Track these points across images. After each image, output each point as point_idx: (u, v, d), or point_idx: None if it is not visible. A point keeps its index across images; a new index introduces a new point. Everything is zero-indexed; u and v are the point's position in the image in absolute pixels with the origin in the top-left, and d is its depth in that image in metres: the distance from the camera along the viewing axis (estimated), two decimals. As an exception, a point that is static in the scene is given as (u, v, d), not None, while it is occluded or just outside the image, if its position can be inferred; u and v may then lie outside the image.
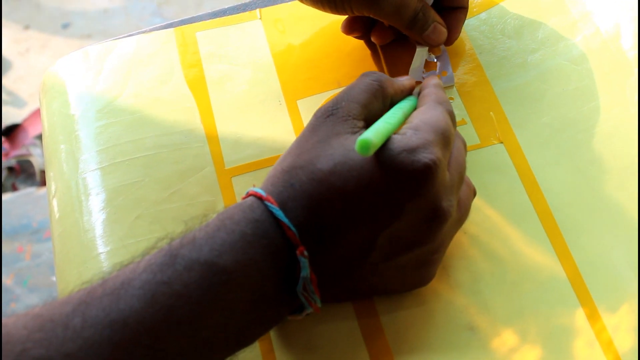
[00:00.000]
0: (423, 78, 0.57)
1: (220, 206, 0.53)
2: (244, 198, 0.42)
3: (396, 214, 0.40)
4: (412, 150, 0.40)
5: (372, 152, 0.37)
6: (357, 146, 0.37)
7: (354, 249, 0.41)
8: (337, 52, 0.60)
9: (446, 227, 0.43)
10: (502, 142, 0.54)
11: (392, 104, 0.47)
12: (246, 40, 0.62)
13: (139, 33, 0.63)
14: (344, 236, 0.40)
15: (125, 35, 0.63)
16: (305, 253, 0.39)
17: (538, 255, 0.49)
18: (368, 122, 0.45)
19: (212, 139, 0.56)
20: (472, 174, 0.50)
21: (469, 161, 0.49)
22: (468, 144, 0.53)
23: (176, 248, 0.39)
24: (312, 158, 0.41)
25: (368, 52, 0.60)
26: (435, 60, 0.58)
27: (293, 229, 0.39)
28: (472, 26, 0.60)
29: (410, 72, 0.57)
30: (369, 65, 0.59)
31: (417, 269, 0.45)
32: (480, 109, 0.56)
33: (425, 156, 0.40)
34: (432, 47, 0.57)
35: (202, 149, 0.56)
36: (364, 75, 0.47)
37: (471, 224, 0.50)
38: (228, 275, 0.38)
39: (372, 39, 0.58)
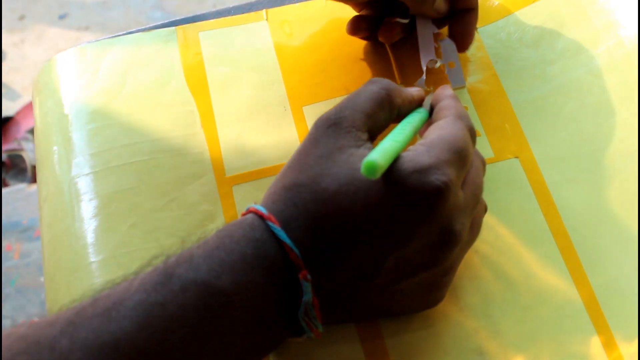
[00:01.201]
0: (434, 58, 0.56)
1: (219, 216, 0.53)
2: (244, 214, 0.42)
3: (405, 238, 0.39)
4: (423, 170, 0.39)
5: (379, 174, 0.36)
6: (362, 169, 0.36)
7: (359, 272, 0.40)
8: (345, 57, 0.60)
9: (457, 249, 0.42)
10: (517, 157, 0.53)
11: (399, 115, 0.46)
12: (251, 42, 0.61)
13: (139, 31, 0.63)
14: (349, 259, 0.39)
15: (124, 32, 0.63)
16: (308, 277, 0.39)
17: (552, 278, 0.48)
18: (372, 134, 0.44)
19: (213, 145, 0.56)
20: (485, 190, 0.49)
21: (482, 176, 0.48)
22: (481, 158, 0.53)
23: (172, 267, 0.38)
24: (315, 176, 0.40)
25: (378, 56, 0.59)
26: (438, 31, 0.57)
27: (296, 250, 0.39)
28: (488, 33, 0.60)
29: (421, 50, 0.56)
30: (379, 70, 0.59)
31: (425, 292, 0.44)
32: (496, 120, 0.55)
33: (437, 178, 0.39)
34: (437, 18, 0.56)
35: (202, 155, 0.55)
36: (370, 82, 0.46)
37: (483, 243, 0.49)
38: (226, 297, 0.37)
39: (380, 38, 0.58)
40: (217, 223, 0.52)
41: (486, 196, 0.48)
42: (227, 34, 0.62)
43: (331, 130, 0.42)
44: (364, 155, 0.40)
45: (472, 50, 0.59)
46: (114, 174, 0.54)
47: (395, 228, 0.39)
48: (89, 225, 0.52)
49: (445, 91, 0.48)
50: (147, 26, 0.63)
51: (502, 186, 0.52)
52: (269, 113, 0.57)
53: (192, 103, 0.58)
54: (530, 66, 0.58)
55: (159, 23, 0.63)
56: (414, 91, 0.48)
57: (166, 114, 0.57)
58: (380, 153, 0.37)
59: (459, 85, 0.57)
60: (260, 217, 0.40)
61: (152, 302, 0.36)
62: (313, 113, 0.57)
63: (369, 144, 0.42)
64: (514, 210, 0.51)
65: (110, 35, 0.63)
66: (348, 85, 0.58)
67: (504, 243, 0.50)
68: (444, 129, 0.43)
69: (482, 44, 0.59)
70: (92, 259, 0.51)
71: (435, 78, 0.57)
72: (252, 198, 0.53)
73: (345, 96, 0.55)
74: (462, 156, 0.41)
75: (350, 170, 0.40)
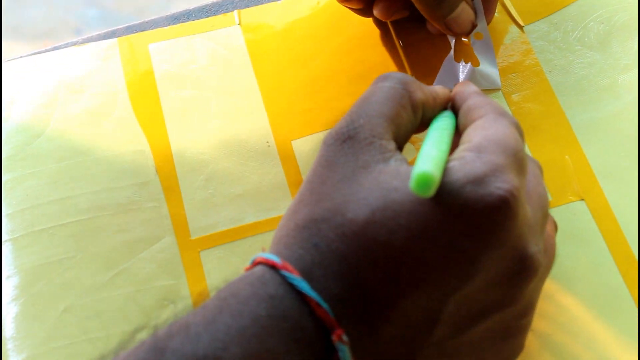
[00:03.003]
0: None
1: (183, 292, 0.53)
2: (249, 268, 0.42)
3: (468, 272, 0.39)
4: (480, 180, 0.39)
5: (433, 190, 0.37)
6: (413, 184, 0.37)
7: (411, 326, 0.40)
8: (348, 73, 0.61)
9: (535, 280, 0.42)
10: (583, 199, 0.55)
11: (423, 117, 0.47)
12: (220, 56, 0.63)
13: (68, 45, 0.64)
14: (397, 309, 0.40)
15: (49, 48, 0.64)
16: (345, 338, 0.39)
17: (638, 363, 0.49)
18: (399, 143, 0.45)
19: (173, 196, 0.57)
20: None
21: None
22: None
23: (163, 339, 0.38)
24: (337, 206, 0.41)
25: (390, 69, 0.61)
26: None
27: (325, 305, 0.39)
28: (538, 33, 0.61)
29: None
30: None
31: (499, 341, 0.45)
32: (552, 150, 0.57)
33: (498, 187, 0.39)
34: (456, 35, 0.58)
35: (158, 210, 0.56)
36: (381, 79, 0.47)
37: (541, 318, 0.50)
38: None
39: (375, 14, 0.59)
40: (182, 302, 0.53)
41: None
42: (187, 45, 0.64)
43: (347, 146, 0.43)
44: (398, 170, 0.41)
45: (517, 57, 0.60)
46: (40, 241, 0.55)
47: (452, 260, 0.39)
48: (8, 313, 0.53)
49: (466, 88, 0.49)
50: (79, 38, 0.65)
51: (563, 239, 0.53)
52: (246, 150, 0.59)
53: (143, 140, 0.59)
54: (595, 75, 0.59)
55: (95, 33, 0.65)
56: (436, 87, 0.49)
57: (108, 156, 0.59)
58: (432, 162, 0.38)
59: (492, 87, 0.58)
60: (272, 267, 0.40)
61: None
62: (306, 149, 0.58)
63: (398, 155, 0.43)
64: (581, 272, 0.52)
65: (30, 52, 0.64)
66: (352, 111, 0.59)
67: (569, 318, 0.51)
68: (487, 129, 0.43)
69: (530, 47, 0.61)
70: (13, 359, 0.51)
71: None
72: (228, 267, 0.54)
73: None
74: (518, 158, 0.42)
75: (382, 191, 0.40)
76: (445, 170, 0.40)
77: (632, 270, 0.52)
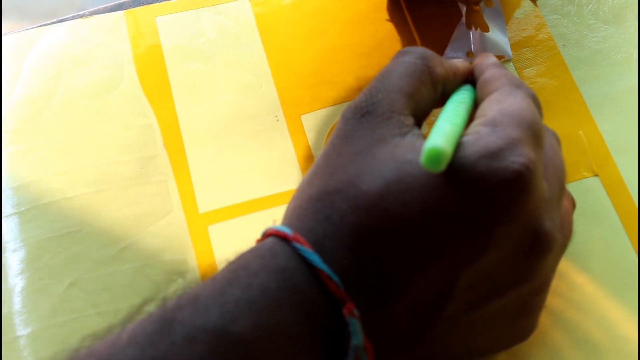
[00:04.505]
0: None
1: (191, 267, 0.53)
2: (261, 240, 0.42)
3: (481, 246, 0.39)
4: (495, 154, 0.39)
5: (444, 165, 0.37)
6: (424, 158, 0.37)
7: (423, 300, 0.40)
8: (359, 47, 0.61)
9: (551, 256, 0.42)
10: (597, 175, 0.54)
11: (443, 92, 0.47)
12: (228, 29, 0.63)
13: (74, 17, 0.64)
14: (409, 283, 0.39)
15: (55, 20, 0.64)
16: (356, 312, 0.39)
17: (651, 341, 0.49)
18: (417, 119, 0.45)
19: (180, 170, 0.57)
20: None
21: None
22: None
23: (172, 311, 0.38)
24: (351, 178, 0.41)
25: (400, 43, 0.61)
26: None
27: (335, 278, 0.39)
28: (551, 6, 0.61)
29: None
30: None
31: (513, 318, 0.45)
32: (565, 126, 0.56)
33: (514, 160, 0.39)
34: (467, 3, 0.58)
35: (165, 184, 0.56)
36: (402, 53, 0.47)
37: (553, 295, 0.50)
38: (247, 346, 0.37)
39: None
40: (190, 276, 0.53)
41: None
42: (195, 18, 0.63)
43: (365, 121, 0.43)
44: (413, 144, 0.41)
45: (529, 31, 0.60)
46: (46, 215, 0.55)
47: (466, 234, 0.39)
48: (14, 286, 0.53)
49: (486, 60, 0.49)
50: (85, 10, 0.64)
51: (577, 215, 0.52)
52: (255, 125, 0.58)
53: (150, 113, 0.59)
54: (610, 49, 0.59)
55: (101, 6, 0.64)
56: (457, 61, 0.49)
57: (115, 130, 0.58)
58: (444, 137, 0.38)
59: (501, 54, 0.58)
60: (284, 239, 0.40)
61: (149, 359, 0.36)
62: (315, 124, 0.58)
63: (416, 130, 0.43)
64: (595, 249, 0.52)
65: (35, 25, 0.64)
66: (362, 86, 0.58)
67: (582, 295, 0.51)
68: (502, 102, 0.43)
69: (543, 21, 0.60)
70: (20, 332, 0.51)
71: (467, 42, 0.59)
72: (236, 241, 0.53)
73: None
74: (534, 131, 0.42)
75: (397, 163, 0.40)
76: (460, 145, 0.40)
77: (646, 246, 0.52)
